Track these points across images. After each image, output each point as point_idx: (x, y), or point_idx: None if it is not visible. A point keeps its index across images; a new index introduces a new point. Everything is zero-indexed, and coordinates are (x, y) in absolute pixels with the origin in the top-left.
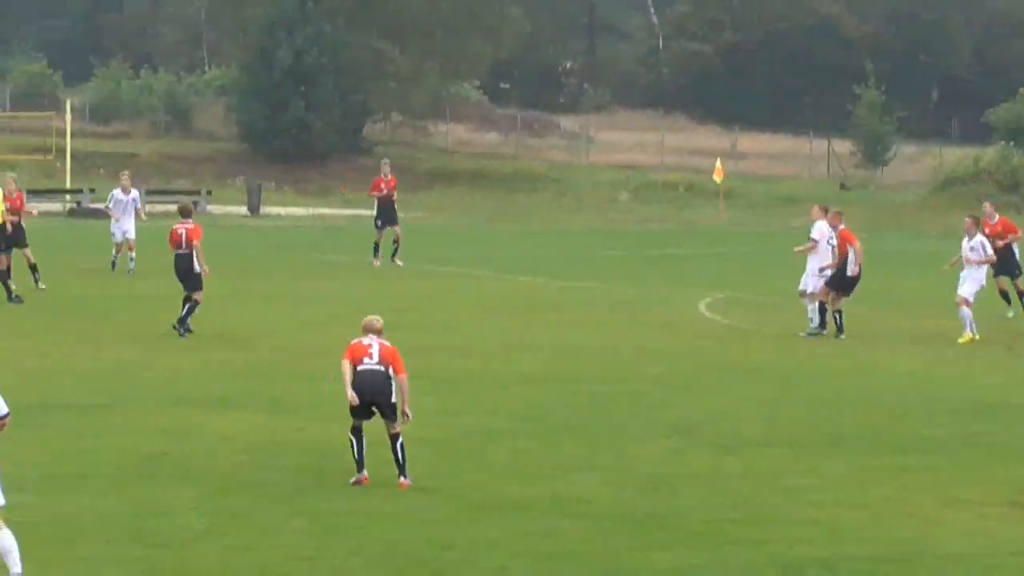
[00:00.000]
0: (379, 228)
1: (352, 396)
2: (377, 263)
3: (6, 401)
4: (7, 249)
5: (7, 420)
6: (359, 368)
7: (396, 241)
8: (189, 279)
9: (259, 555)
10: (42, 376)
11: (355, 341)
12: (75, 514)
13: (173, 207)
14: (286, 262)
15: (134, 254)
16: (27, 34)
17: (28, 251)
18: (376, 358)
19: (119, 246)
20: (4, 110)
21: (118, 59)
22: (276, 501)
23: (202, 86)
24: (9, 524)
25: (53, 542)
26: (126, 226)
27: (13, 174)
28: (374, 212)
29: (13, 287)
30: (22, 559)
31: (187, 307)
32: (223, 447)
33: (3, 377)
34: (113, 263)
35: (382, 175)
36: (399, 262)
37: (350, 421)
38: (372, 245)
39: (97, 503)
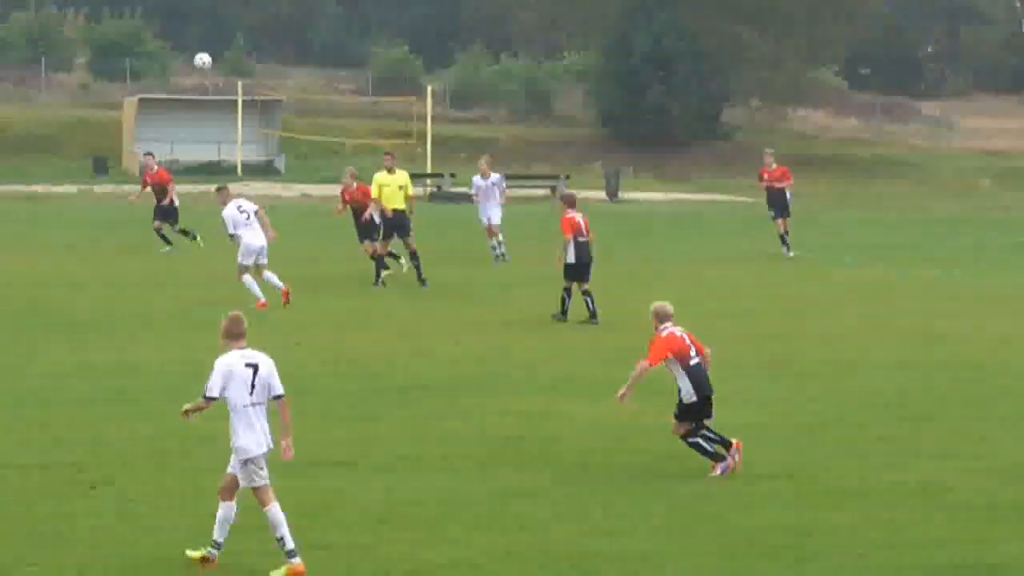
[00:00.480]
0: (773, 219)
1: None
2: (790, 253)
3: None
4: (385, 237)
5: (283, 400)
6: (692, 363)
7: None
8: (589, 268)
9: (617, 542)
10: (408, 358)
11: (667, 333)
12: (439, 495)
13: (534, 192)
14: (647, 248)
15: (501, 238)
16: (389, 19)
17: (411, 240)
18: (695, 350)
19: (493, 232)
20: (367, 95)
21: (478, 44)
22: (636, 485)
23: (561, 71)
24: (380, 503)
25: (420, 523)
26: (490, 211)
27: (352, 168)
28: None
29: (386, 273)
30: (293, 535)
31: (590, 300)
32: (582, 431)
33: (375, 359)
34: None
35: (765, 165)
36: (789, 253)
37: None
38: (777, 236)
39: (459, 485)
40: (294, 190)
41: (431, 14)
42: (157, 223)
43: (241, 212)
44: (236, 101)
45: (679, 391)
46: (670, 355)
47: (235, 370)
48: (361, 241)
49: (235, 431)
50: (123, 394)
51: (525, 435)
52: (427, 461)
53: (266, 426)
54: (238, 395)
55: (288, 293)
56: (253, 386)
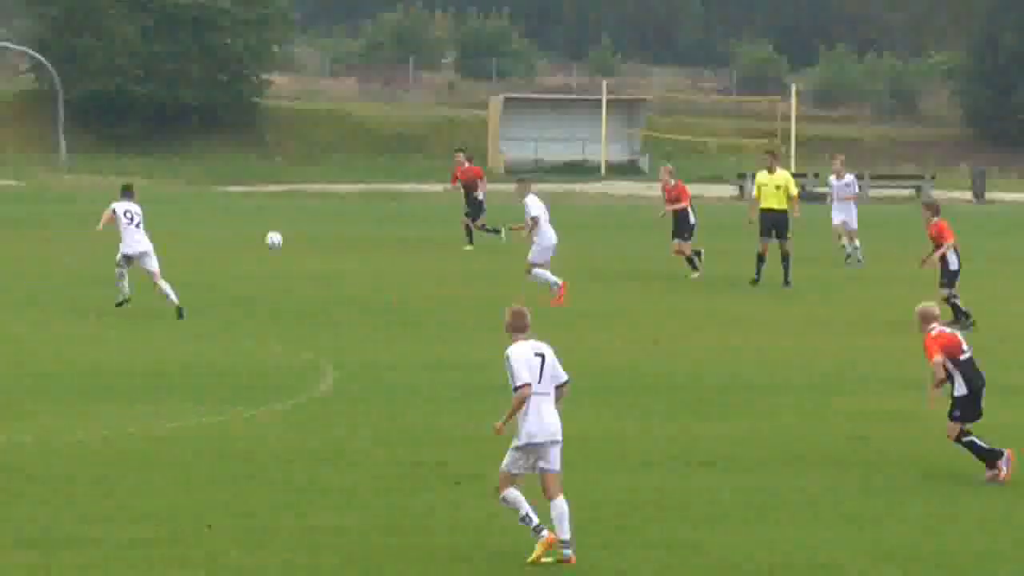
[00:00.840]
0: None
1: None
2: None
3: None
4: (681, 236)
5: (567, 386)
6: (963, 358)
7: None
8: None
9: (978, 542)
10: (756, 356)
11: (936, 332)
12: (798, 494)
13: (899, 192)
14: (1014, 249)
15: (857, 243)
16: (753, 18)
17: (786, 243)
18: (966, 345)
19: (847, 234)
20: (731, 94)
21: (844, 43)
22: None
23: (927, 70)
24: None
25: (779, 521)
26: (844, 213)
27: (669, 164)
28: None
29: (695, 275)
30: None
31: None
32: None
33: (714, 360)
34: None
35: None
36: None
37: None
38: None
39: (812, 483)
40: (657, 189)
41: (798, 13)
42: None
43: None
44: (601, 100)
45: (951, 389)
46: (942, 352)
47: (529, 359)
48: (673, 239)
49: (521, 417)
50: (471, 390)
51: (871, 435)
52: (780, 459)
53: (555, 414)
54: (532, 384)
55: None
56: (541, 375)
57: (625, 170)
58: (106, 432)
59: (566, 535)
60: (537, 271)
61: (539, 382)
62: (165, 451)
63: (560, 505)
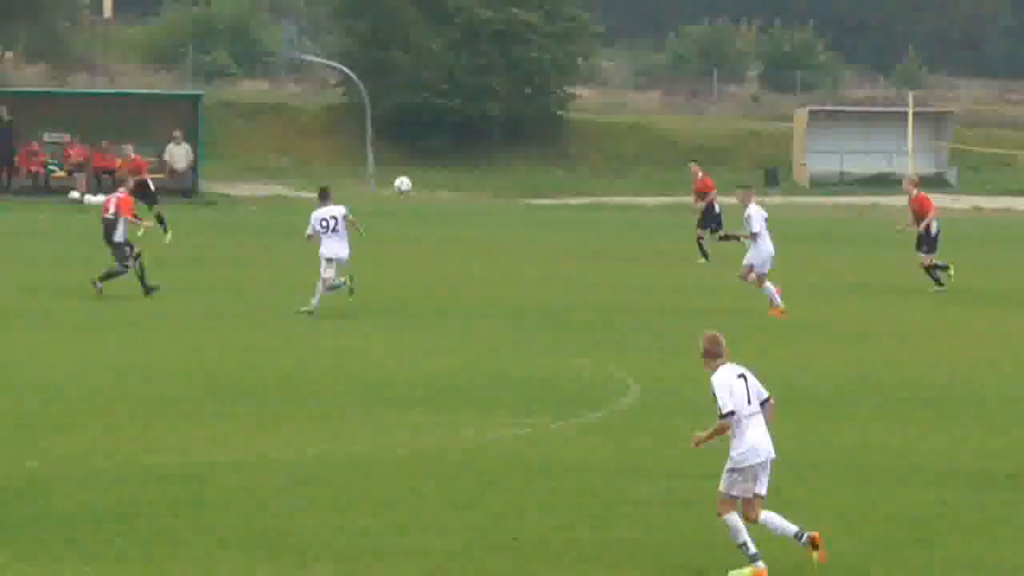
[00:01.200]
0: None
1: None
2: None
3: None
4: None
5: (771, 402)
6: None
7: None
8: None
9: None
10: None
11: None
12: None
13: None
14: None
15: None
16: None
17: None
18: None
19: None
20: None
21: None
22: None
23: None
24: None
25: None
26: None
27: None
28: None
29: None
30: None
31: None
32: None
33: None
34: None
35: None
36: None
37: None
38: None
39: None
40: (964, 202)
41: None
42: (699, 232)
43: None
44: (906, 113)
45: None
46: None
47: (732, 383)
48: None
49: (734, 441)
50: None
51: None
52: None
53: (766, 433)
54: (740, 407)
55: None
56: (749, 395)
57: (932, 183)
58: (411, 443)
59: (792, 527)
60: (768, 285)
61: (748, 403)
62: (468, 462)
63: (768, 518)
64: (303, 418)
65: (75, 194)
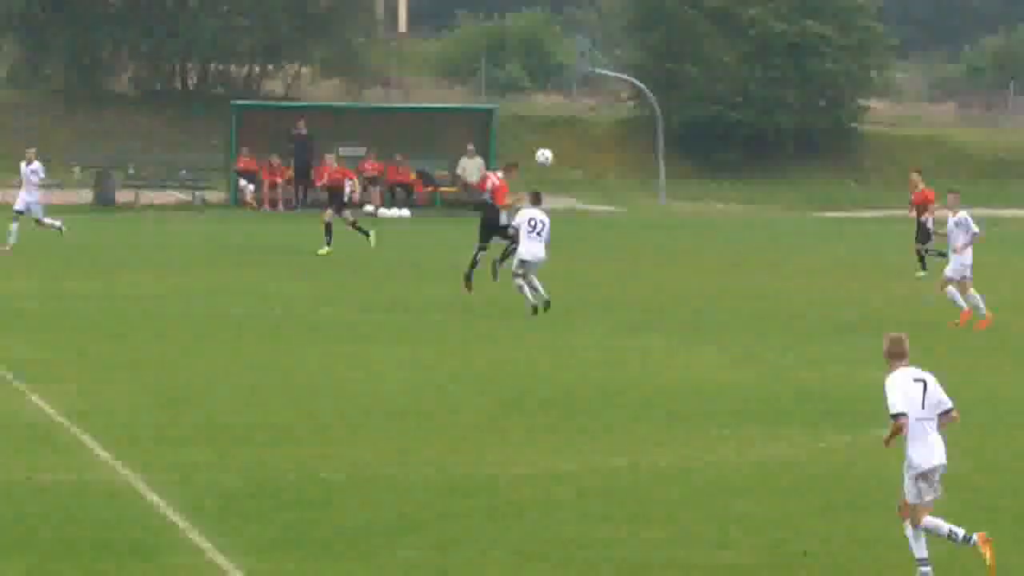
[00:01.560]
0: None
1: None
2: None
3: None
4: None
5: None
6: None
7: None
8: None
9: None
10: None
11: None
12: None
13: None
14: None
15: None
16: None
17: None
18: None
19: None
20: None
21: None
22: None
23: None
24: None
25: None
26: None
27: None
28: None
29: None
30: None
31: None
32: None
33: None
34: None
35: None
36: None
37: None
38: None
39: None
40: None
41: None
42: (918, 245)
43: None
44: None
45: None
46: None
47: (907, 387)
48: None
49: (907, 447)
50: None
51: None
52: None
53: (940, 440)
54: (910, 410)
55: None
56: (924, 401)
57: None
58: (700, 456)
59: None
60: (951, 290)
61: (922, 408)
62: (758, 475)
63: (929, 522)
64: (592, 430)
65: (369, 207)
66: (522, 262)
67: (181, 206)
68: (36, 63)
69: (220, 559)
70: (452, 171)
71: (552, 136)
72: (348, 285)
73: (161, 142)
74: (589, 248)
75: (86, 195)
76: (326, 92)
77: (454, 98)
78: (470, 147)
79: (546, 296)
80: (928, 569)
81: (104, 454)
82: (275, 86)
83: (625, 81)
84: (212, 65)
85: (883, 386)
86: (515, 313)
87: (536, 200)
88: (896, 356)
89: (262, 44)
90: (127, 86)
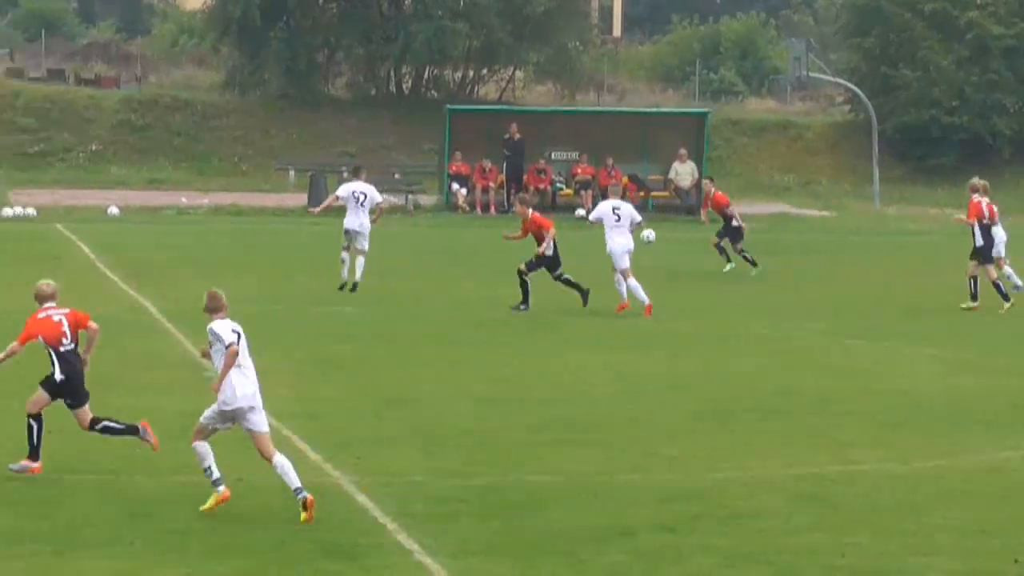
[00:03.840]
0: None
1: None
2: None
3: None
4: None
5: None
6: None
7: None
8: None
9: None
10: None
11: None
12: None
13: None
14: None
15: None
16: None
17: None
18: None
19: None
20: None
21: None
22: None
23: None
24: None
25: None
26: None
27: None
28: None
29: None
30: None
31: None
32: None
33: None
34: None
35: None
36: None
37: None
38: None
39: None
40: None
41: None
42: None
43: None
44: None
45: None
46: None
47: None
48: None
49: None
50: None
51: None
52: None
53: None
54: None
55: None
56: None
57: None
58: (913, 461)
59: None
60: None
61: None
62: (977, 483)
63: None
64: (801, 435)
65: (580, 212)
66: (346, 232)
67: (393, 209)
68: (253, 68)
69: (427, 560)
70: (664, 176)
71: (764, 140)
72: (556, 289)
73: (375, 146)
74: (801, 253)
75: (301, 199)
76: (539, 96)
77: (667, 102)
78: (682, 151)
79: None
80: None
81: (314, 456)
82: (488, 90)
83: (840, 85)
84: (427, 69)
85: None
86: (723, 316)
87: (357, 173)
88: None
89: (476, 48)
90: (342, 90)
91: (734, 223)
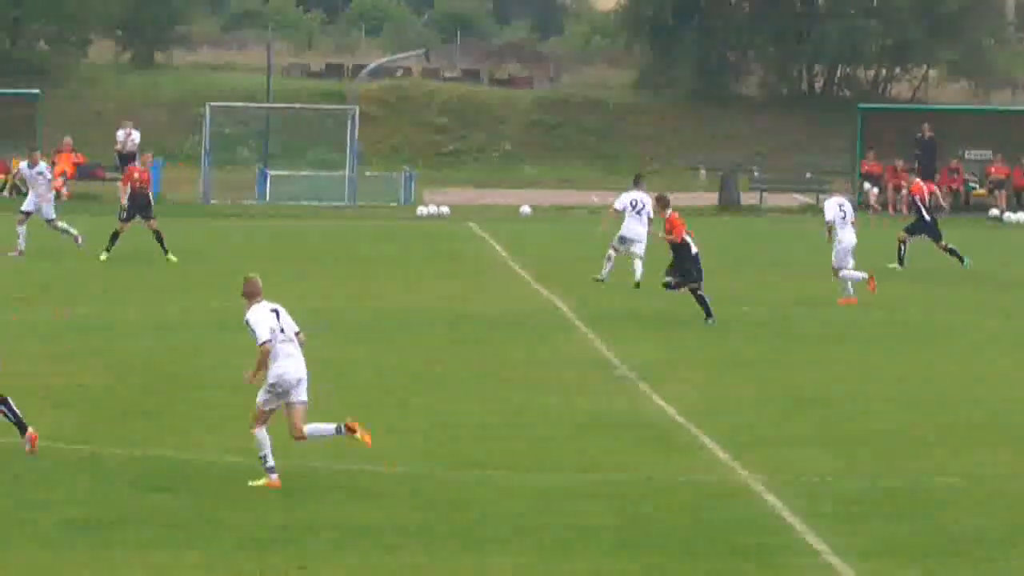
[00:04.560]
0: None
1: None
2: None
3: None
4: None
5: None
6: None
7: None
8: None
9: None
10: None
11: None
12: None
13: None
14: None
15: None
16: None
17: None
18: None
19: None
20: None
21: None
22: None
23: None
24: None
25: None
26: None
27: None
28: None
29: None
30: None
31: None
32: None
33: None
34: None
35: None
36: None
37: None
38: None
39: None
40: None
41: None
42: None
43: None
44: None
45: None
46: None
47: None
48: None
49: None
50: None
51: None
52: None
53: None
54: None
55: None
56: None
57: None
58: None
59: None
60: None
61: None
62: None
63: None
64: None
65: (994, 211)
66: (622, 239)
67: (804, 208)
68: (665, 67)
69: (835, 560)
70: None
71: None
72: (960, 289)
73: (787, 145)
74: None
75: (711, 197)
76: (952, 95)
77: None
78: None
79: (638, 277)
80: None
81: (723, 455)
82: (901, 89)
83: None
84: (839, 68)
85: None
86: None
87: (637, 183)
88: None
89: (889, 47)
90: (754, 89)
91: None
